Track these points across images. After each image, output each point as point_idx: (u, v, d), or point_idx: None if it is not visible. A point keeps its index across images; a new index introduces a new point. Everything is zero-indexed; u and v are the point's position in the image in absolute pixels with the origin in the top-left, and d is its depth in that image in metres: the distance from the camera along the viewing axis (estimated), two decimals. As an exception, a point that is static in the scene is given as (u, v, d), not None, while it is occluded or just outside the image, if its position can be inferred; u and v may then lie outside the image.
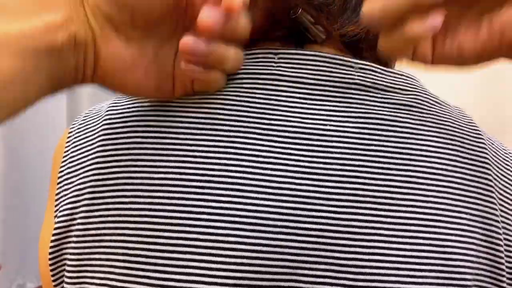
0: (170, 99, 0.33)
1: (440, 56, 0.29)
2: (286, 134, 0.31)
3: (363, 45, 0.36)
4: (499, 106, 1.18)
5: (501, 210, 0.32)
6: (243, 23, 0.30)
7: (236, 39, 0.31)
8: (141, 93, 0.32)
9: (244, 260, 0.28)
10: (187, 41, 0.28)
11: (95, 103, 0.38)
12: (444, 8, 0.27)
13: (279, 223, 0.29)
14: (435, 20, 0.26)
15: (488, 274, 0.31)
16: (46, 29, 0.26)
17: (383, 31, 0.28)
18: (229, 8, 0.27)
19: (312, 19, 0.34)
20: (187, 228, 0.29)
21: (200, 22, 0.27)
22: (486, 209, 0.32)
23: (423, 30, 0.26)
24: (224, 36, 0.29)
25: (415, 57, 0.29)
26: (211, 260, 0.28)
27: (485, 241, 0.31)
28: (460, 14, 0.28)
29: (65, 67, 0.28)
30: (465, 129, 0.34)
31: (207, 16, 0.27)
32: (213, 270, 0.28)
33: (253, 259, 0.28)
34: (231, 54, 0.30)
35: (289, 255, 0.28)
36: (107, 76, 0.30)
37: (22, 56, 0.26)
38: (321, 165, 0.30)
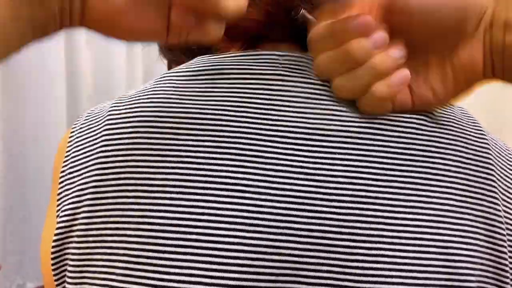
0: (171, 100, 0.33)
1: (419, 100, 0.32)
2: (289, 135, 0.31)
3: None
4: (499, 106, 1.17)
5: (505, 211, 0.32)
6: None
7: None
8: (133, 36, 0.30)
9: (245, 262, 0.28)
10: None
11: (95, 103, 0.38)
12: (407, 63, 0.31)
13: (280, 225, 0.29)
14: (399, 76, 0.31)
15: (492, 275, 0.31)
16: None
17: (359, 99, 0.32)
18: None
19: (314, 19, 0.34)
20: (188, 229, 0.29)
21: None
22: (490, 210, 0.32)
23: (389, 89, 0.31)
24: None
25: (395, 107, 0.32)
26: (212, 261, 0.28)
27: (488, 242, 0.31)
28: (425, 61, 0.32)
29: (48, 13, 0.26)
30: (468, 129, 0.34)
31: None
32: (213, 271, 0.28)
33: (254, 260, 0.28)
34: (229, 1, 0.28)
35: (291, 256, 0.28)
36: (96, 20, 0.28)
37: (1, 4, 0.24)
38: (324, 166, 0.30)
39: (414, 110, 0.33)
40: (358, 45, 0.30)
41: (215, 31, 0.29)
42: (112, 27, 0.29)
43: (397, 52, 0.31)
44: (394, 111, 0.32)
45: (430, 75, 0.32)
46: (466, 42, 0.31)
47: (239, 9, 0.29)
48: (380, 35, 0.30)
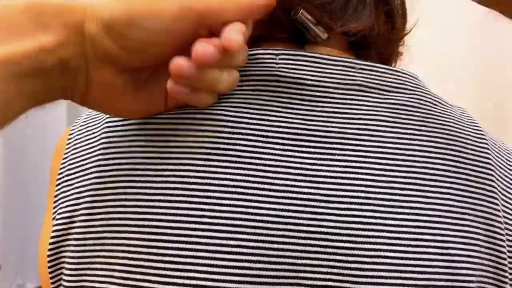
0: None
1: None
2: (287, 136, 0.31)
3: (367, 44, 0.36)
4: (499, 106, 1.17)
5: (504, 212, 0.32)
6: (241, 56, 0.30)
7: (232, 67, 0.30)
8: (131, 115, 0.31)
9: (245, 264, 0.28)
10: (178, 63, 0.26)
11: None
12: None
13: (280, 227, 0.29)
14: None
15: (492, 276, 0.31)
16: (36, 52, 0.25)
17: None
18: (228, 46, 0.26)
19: (313, 19, 0.34)
20: (188, 232, 0.29)
21: (195, 53, 0.26)
22: (489, 210, 0.32)
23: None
24: (219, 64, 0.28)
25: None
26: (212, 264, 0.28)
27: (488, 242, 0.31)
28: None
29: (51, 89, 0.27)
30: (467, 129, 0.34)
31: (203, 47, 0.26)
32: (214, 274, 0.28)
33: (253, 262, 0.28)
34: (224, 77, 0.29)
35: (290, 258, 0.28)
36: (96, 101, 0.30)
37: (6, 80, 0.24)
38: (322, 168, 0.30)
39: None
40: None
41: (208, 100, 0.31)
42: (110, 109, 0.31)
43: None
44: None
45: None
46: None
47: (233, 85, 0.31)
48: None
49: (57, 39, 0.26)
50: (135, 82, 0.30)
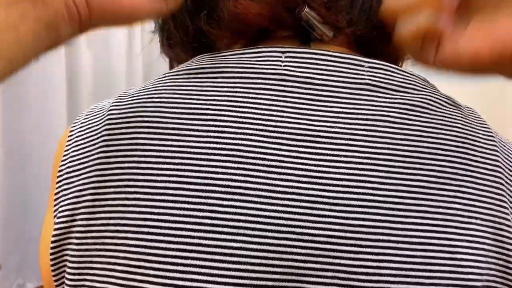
0: (172, 100, 0.32)
1: (440, 59, 0.30)
2: (293, 137, 0.30)
3: (374, 42, 0.36)
4: (499, 106, 1.17)
5: None
6: None
7: None
8: (136, 14, 0.31)
9: (248, 267, 0.28)
10: None
11: (95, 102, 0.38)
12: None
13: (284, 229, 0.28)
14: (447, 20, 0.29)
15: (499, 280, 0.30)
16: None
17: (398, 18, 0.30)
18: None
19: (318, 17, 0.34)
20: (190, 233, 0.28)
21: None
22: (498, 213, 0.31)
23: (435, 23, 0.29)
24: None
25: (420, 56, 0.30)
26: (213, 266, 0.28)
27: (496, 246, 0.30)
28: (463, 19, 0.30)
29: (54, 9, 0.27)
30: (476, 131, 0.33)
31: None
32: (215, 276, 0.28)
33: (256, 265, 0.28)
34: None
35: (294, 261, 0.28)
36: (101, 10, 0.29)
37: (3, 6, 0.26)
38: (328, 170, 0.29)
39: (432, 68, 0.30)
40: None
41: None
42: (116, 10, 0.30)
43: None
44: (417, 54, 0.31)
45: (462, 36, 0.30)
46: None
47: None
48: None
49: None
50: None
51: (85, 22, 0.29)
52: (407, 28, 0.30)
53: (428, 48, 0.30)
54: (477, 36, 0.30)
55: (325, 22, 0.34)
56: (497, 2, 0.29)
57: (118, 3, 0.30)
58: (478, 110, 0.36)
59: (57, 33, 0.28)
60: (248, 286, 0.28)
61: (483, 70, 0.30)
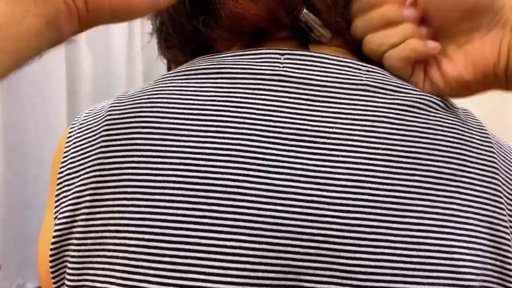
0: (171, 100, 0.32)
1: (429, 84, 0.35)
2: (291, 137, 0.30)
3: None
4: (499, 106, 1.17)
5: (510, 215, 0.32)
6: None
7: None
8: (133, 9, 0.31)
9: (246, 266, 0.28)
10: None
11: (95, 103, 0.38)
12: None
13: (283, 228, 0.28)
14: (433, 44, 0.34)
15: (496, 280, 0.30)
16: None
17: (388, 53, 0.35)
18: None
19: (317, 19, 0.34)
20: (189, 233, 0.28)
21: None
22: (494, 214, 0.31)
23: (423, 47, 0.34)
24: None
25: (411, 80, 0.35)
26: (213, 265, 0.28)
27: (493, 247, 0.31)
28: (443, 47, 0.34)
29: (53, 4, 0.28)
30: (473, 132, 0.33)
31: None
32: (214, 276, 0.28)
33: (255, 264, 0.28)
34: None
35: (293, 260, 0.28)
36: (98, 5, 0.30)
37: (6, 1, 0.26)
38: (326, 169, 0.30)
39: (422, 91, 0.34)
40: (392, 8, 0.34)
41: None
42: (112, 5, 0.30)
43: (424, 30, 0.34)
44: (406, 80, 0.35)
45: (445, 62, 0.34)
46: (483, 33, 0.33)
47: None
48: (411, 11, 0.34)
49: None
50: None
51: (84, 19, 0.30)
52: (396, 54, 0.34)
53: (418, 74, 0.35)
54: (458, 60, 0.34)
55: (323, 24, 0.34)
56: (469, 27, 0.33)
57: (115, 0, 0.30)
58: (477, 113, 0.37)
59: (58, 30, 0.29)
60: (247, 285, 0.28)
61: (471, 90, 0.34)
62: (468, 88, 0.34)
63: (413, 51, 0.34)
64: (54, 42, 0.29)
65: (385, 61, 0.35)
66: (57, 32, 0.29)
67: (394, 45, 0.34)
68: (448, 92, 0.34)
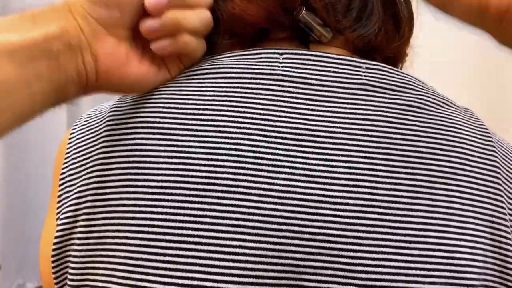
0: (171, 101, 0.32)
1: None
2: (291, 136, 0.30)
3: (373, 46, 0.36)
4: (499, 106, 1.18)
5: (510, 215, 0.32)
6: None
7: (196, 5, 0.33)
8: (141, 83, 0.34)
9: (247, 265, 0.28)
10: (143, 24, 0.32)
11: (95, 104, 0.38)
12: None
13: (283, 227, 0.28)
14: None
15: (497, 280, 0.30)
16: (42, 38, 0.29)
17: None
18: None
19: (316, 19, 0.34)
20: (190, 232, 0.28)
21: (147, 4, 0.31)
22: (495, 213, 0.31)
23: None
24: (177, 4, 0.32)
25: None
26: (213, 265, 0.28)
27: (494, 246, 0.31)
28: None
29: (65, 72, 0.30)
30: (474, 132, 0.33)
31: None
32: (215, 275, 0.28)
33: (255, 263, 0.28)
34: (188, 15, 0.32)
35: (293, 259, 0.28)
36: (107, 76, 0.32)
37: (22, 64, 0.28)
38: (327, 168, 0.30)
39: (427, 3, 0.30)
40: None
41: (194, 43, 0.34)
42: (121, 80, 0.33)
43: None
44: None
45: None
46: None
47: (206, 22, 0.34)
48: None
49: (59, 26, 0.30)
50: (135, 50, 0.33)
51: (91, 86, 0.32)
52: None
53: None
54: None
55: (323, 24, 0.34)
56: None
57: (124, 72, 0.32)
58: (478, 113, 0.37)
59: (65, 94, 0.31)
60: (248, 284, 0.28)
61: (482, 19, 0.29)
62: (468, 13, 0.29)
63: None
64: (58, 103, 0.31)
65: None
66: (64, 96, 0.31)
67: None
68: (453, 10, 0.29)
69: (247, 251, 0.28)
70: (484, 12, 0.28)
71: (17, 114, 0.29)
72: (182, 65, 0.35)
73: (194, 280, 0.28)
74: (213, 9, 0.35)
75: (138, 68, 0.33)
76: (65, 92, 0.31)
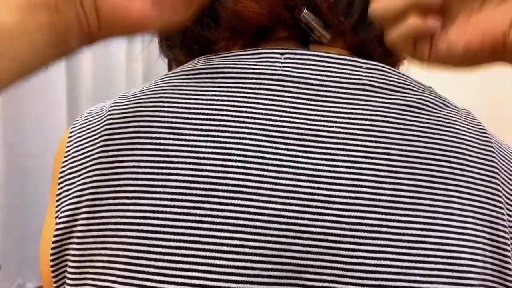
0: (171, 100, 0.33)
1: (434, 54, 0.31)
2: (292, 135, 0.31)
3: (372, 45, 0.36)
4: (499, 106, 1.18)
5: (509, 215, 0.32)
6: None
7: None
8: (145, 22, 0.31)
9: (247, 264, 0.28)
10: None
11: (95, 103, 0.38)
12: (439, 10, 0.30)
13: (283, 226, 0.28)
14: (434, 21, 0.30)
15: (495, 279, 0.30)
16: None
17: (387, 26, 0.31)
18: None
19: (317, 20, 0.34)
20: (189, 231, 0.28)
21: None
22: (493, 213, 0.31)
23: (423, 25, 0.30)
24: None
25: (414, 54, 0.31)
26: (213, 264, 0.28)
27: (492, 246, 0.31)
28: (452, 15, 0.31)
29: (66, 19, 0.29)
30: (473, 132, 0.34)
31: None
32: (215, 274, 0.28)
33: (255, 262, 0.28)
34: None
35: (293, 259, 0.28)
36: (110, 15, 0.30)
37: (21, 12, 0.27)
38: (327, 168, 0.30)
39: (428, 64, 0.31)
40: None
41: None
42: (125, 19, 0.30)
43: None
44: (412, 56, 0.32)
45: (452, 30, 0.31)
46: (498, 1, 0.30)
47: None
48: None
49: None
50: None
51: (93, 34, 0.30)
52: (398, 33, 0.31)
53: (422, 47, 0.31)
54: (466, 30, 0.30)
55: (324, 25, 0.34)
56: (480, 2, 0.30)
57: (127, 16, 0.30)
58: (477, 113, 0.37)
59: (66, 43, 0.30)
60: (248, 283, 0.28)
61: (477, 60, 0.31)
62: (474, 58, 0.31)
63: (413, 30, 0.30)
64: (61, 54, 0.30)
65: (386, 37, 0.32)
66: (65, 46, 0.30)
67: (397, 17, 0.31)
68: (452, 63, 0.31)
69: (247, 250, 0.28)
70: (501, 49, 0.29)
71: (18, 63, 0.28)
72: (191, 6, 0.32)
73: (194, 279, 0.28)
74: (214, 6, 0.35)
75: (141, 5, 0.31)
76: (66, 41, 0.30)
